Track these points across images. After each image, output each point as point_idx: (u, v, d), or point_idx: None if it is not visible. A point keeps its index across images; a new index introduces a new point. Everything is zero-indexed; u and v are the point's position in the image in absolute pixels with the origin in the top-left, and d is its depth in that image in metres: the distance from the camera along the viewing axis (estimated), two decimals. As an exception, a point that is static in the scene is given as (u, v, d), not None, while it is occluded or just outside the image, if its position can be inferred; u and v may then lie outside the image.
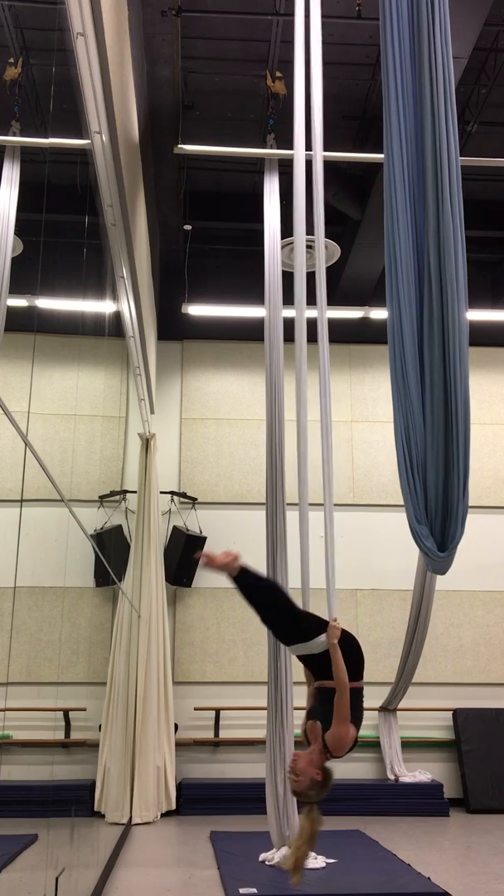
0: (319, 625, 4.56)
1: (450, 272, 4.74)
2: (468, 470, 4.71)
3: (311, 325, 5.55)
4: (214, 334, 11.17)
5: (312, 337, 5.53)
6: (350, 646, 4.50)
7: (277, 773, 6.70)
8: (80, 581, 8.67)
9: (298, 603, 4.88)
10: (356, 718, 4.38)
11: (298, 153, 5.77)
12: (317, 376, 5.48)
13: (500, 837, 8.15)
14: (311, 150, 5.79)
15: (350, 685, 4.33)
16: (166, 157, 8.67)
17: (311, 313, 5.59)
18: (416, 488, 4.71)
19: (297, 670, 5.31)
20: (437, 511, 4.69)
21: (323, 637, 4.47)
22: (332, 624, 4.51)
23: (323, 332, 5.46)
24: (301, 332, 5.54)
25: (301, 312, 5.57)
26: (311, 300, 5.66)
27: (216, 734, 10.08)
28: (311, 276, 5.72)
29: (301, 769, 4.23)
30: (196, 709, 10.10)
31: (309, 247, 6.48)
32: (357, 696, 4.42)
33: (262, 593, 4.77)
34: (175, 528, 10.38)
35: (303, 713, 4.75)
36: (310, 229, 5.76)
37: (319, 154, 5.69)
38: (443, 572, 4.81)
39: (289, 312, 7.35)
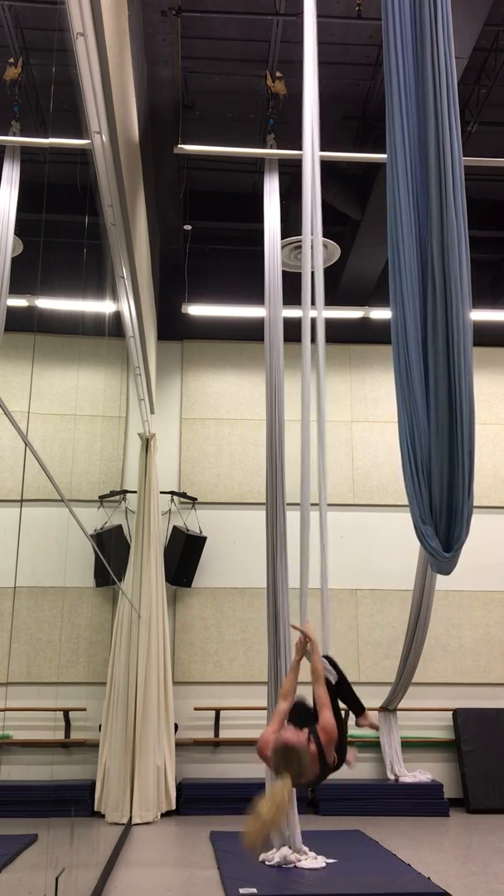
0: None
1: (453, 271, 4.74)
2: (473, 470, 4.70)
3: (313, 325, 5.57)
4: (214, 334, 11.17)
5: (312, 337, 5.55)
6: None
7: (277, 773, 6.68)
8: (80, 581, 8.67)
9: (295, 603, 5.06)
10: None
11: (306, 152, 5.78)
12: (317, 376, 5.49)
13: (500, 837, 8.14)
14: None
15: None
16: (166, 157, 8.67)
17: (313, 313, 5.61)
18: (420, 488, 4.70)
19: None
20: (442, 511, 4.69)
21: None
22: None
23: (320, 333, 5.49)
24: (306, 332, 5.55)
25: (306, 312, 5.57)
26: (313, 300, 5.68)
27: (216, 734, 10.07)
28: (312, 276, 5.74)
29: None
30: (196, 709, 10.10)
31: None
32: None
33: None
34: (175, 528, 10.38)
35: None
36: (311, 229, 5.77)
37: (317, 154, 5.71)
38: (447, 572, 4.81)
39: (288, 312, 7.38)
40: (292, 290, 6.98)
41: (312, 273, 5.80)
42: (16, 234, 6.33)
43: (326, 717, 4.59)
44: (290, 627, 5.14)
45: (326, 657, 5.14)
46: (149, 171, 8.32)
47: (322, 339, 5.60)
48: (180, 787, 9.44)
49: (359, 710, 5.21)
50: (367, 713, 5.20)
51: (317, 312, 5.63)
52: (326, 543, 5.42)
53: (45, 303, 6.26)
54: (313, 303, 5.69)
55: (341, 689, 5.13)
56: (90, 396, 7.96)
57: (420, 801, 9.45)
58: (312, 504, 5.46)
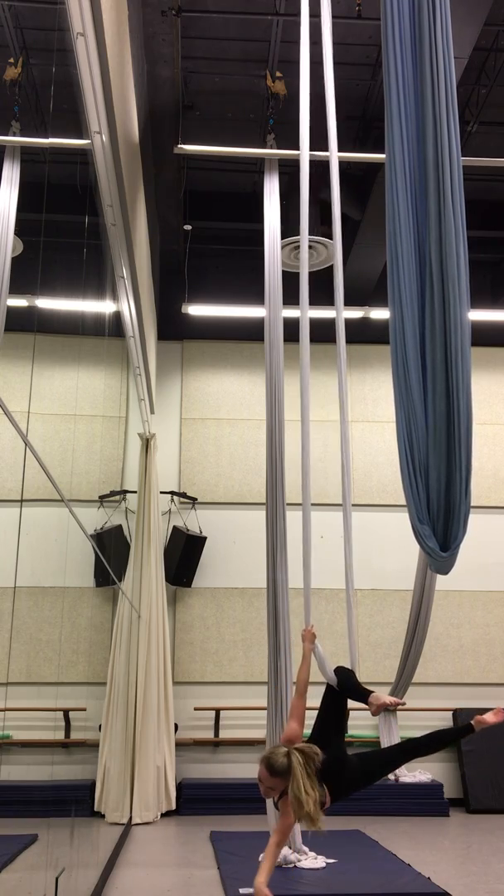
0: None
1: (452, 272, 4.75)
2: (470, 469, 4.71)
3: (312, 324, 5.56)
4: (214, 334, 11.17)
5: (313, 337, 5.55)
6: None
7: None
8: (80, 581, 8.67)
9: (295, 603, 5.01)
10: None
11: (304, 152, 5.79)
12: (317, 376, 5.48)
13: (500, 837, 8.15)
14: (312, 150, 5.82)
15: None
16: (166, 157, 8.67)
17: (313, 313, 5.61)
18: (418, 488, 4.71)
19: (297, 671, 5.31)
20: (440, 511, 4.70)
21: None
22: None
23: (340, 333, 5.52)
24: (304, 332, 5.55)
25: (304, 311, 5.58)
26: (313, 300, 5.68)
27: (216, 734, 10.08)
28: (310, 276, 5.74)
29: None
30: (196, 709, 10.10)
31: (309, 247, 6.51)
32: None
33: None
34: (175, 528, 10.38)
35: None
36: (310, 229, 5.78)
37: (335, 155, 5.73)
38: (445, 572, 4.82)
39: (288, 312, 7.39)
40: (292, 290, 6.98)
41: (331, 272, 5.84)
42: (16, 234, 6.32)
43: (289, 725, 4.68)
44: (302, 632, 5.16)
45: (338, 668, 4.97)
46: (149, 171, 8.31)
47: (342, 339, 5.60)
48: (180, 787, 9.45)
49: (363, 697, 4.90)
50: (371, 697, 4.73)
51: (336, 313, 5.66)
52: (351, 543, 5.38)
53: (45, 303, 6.26)
54: (324, 303, 5.71)
55: (347, 687, 4.88)
56: (90, 396, 7.96)
57: (420, 801, 9.45)
58: (315, 504, 5.46)
